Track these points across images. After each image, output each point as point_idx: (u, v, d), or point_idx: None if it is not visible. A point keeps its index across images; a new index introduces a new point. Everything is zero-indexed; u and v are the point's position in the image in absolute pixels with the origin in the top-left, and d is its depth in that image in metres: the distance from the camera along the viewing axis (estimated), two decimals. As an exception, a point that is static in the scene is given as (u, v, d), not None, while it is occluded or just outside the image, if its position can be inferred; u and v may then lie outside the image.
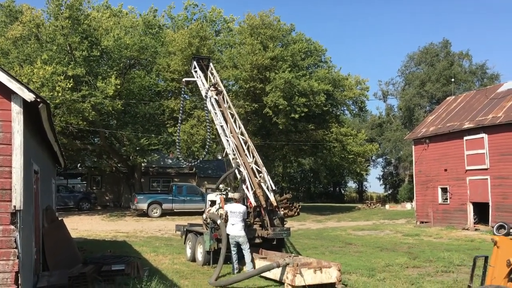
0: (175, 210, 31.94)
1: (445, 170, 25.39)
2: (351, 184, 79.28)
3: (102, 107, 29.36)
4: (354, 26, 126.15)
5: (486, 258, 6.98)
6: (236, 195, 12.23)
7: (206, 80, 16.29)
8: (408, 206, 39.18)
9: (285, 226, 13.17)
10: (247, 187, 12.81)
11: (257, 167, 13.52)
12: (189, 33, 30.63)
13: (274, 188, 13.16)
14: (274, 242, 12.86)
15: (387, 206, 42.60)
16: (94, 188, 41.74)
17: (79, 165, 44.92)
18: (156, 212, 31.52)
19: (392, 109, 69.62)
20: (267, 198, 12.81)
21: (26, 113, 6.71)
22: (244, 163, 13.37)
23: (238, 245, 11.79)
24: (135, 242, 19.38)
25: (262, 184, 12.91)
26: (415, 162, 27.85)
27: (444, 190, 25.64)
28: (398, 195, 57.31)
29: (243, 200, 12.84)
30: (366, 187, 77.94)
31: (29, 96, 6.29)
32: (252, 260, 11.58)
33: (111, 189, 42.35)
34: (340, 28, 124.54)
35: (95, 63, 28.83)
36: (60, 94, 26.08)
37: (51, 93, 25.93)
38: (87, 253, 15.14)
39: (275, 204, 12.66)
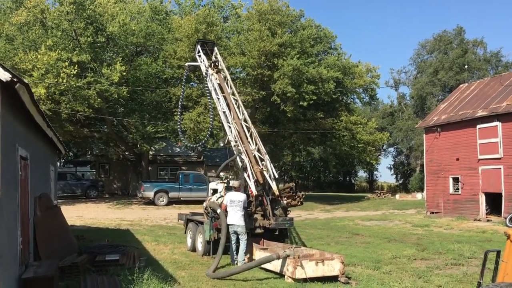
0: (181, 199, 31.68)
1: (457, 159, 24.70)
2: (362, 174, 78.59)
3: (108, 95, 29.04)
4: (365, 14, 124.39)
5: (498, 252, 6.47)
6: (235, 183, 11.81)
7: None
8: (418, 196, 38.50)
9: (288, 215, 12.71)
10: (248, 176, 12.34)
11: (259, 154, 13.04)
12: (196, 19, 30.08)
13: (276, 176, 12.69)
14: (277, 233, 12.41)
15: (397, 196, 41.93)
16: (102, 176, 41.65)
17: (89, 152, 44.91)
18: (163, 201, 31.29)
19: (404, 97, 68.59)
20: (269, 187, 12.35)
21: (5, 95, 6.30)
22: (246, 150, 12.90)
23: (237, 235, 11.40)
24: (138, 230, 19.11)
25: (265, 173, 12.43)
26: (426, 151, 27.16)
27: (456, 180, 24.98)
28: (409, 185, 56.55)
29: (245, 188, 12.41)
30: (376, 177, 77.10)
31: (4, 76, 5.84)
32: (246, 253, 11.21)
33: (119, 177, 42.24)
34: (351, 15, 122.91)
35: (101, 49, 28.43)
36: (65, 81, 25.77)
37: (56, 80, 25.63)
38: (86, 241, 14.88)
39: (277, 193, 12.21)
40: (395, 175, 72.38)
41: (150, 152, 38.42)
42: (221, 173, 13.57)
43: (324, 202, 37.36)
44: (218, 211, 11.66)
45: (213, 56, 15.71)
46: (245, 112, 14.19)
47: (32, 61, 25.38)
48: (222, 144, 13.55)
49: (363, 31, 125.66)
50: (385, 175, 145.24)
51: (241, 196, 11.51)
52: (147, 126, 30.23)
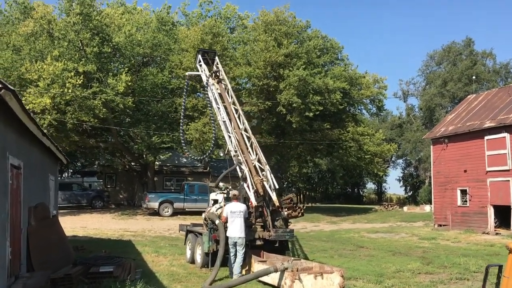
0: (186, 209, 31.47)
1: (465, 171, 24.30)
2: (370, 185, 78.00)
3: (114, 105, 29.06)
4: (373, 25, 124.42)
5: (500, 267, 6.20)
6: (235, 192, 11.60)
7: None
8: (427, 208, 37.97)
9: (289, 227, 12.45)
10: (248, 186, 12.12)
11: (260, 165, 12.83)
12: (202, 29, 30.12)
13: (277, 187, 12.46)
14: (277, 244, 12.12)
15: (405, 208, 41.40)
16: (109, 186, 41.65)
17: (97, 162, 44.96)
18: (168, 211, 31.11)
19: (412, 109, 68.18)
20: (269, 198, 12.12)
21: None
22: (246, 160, 12.70)
23: (236, 247, 11.16)
24: (140, 241, 18.91)
25: (265, 183, 12.20)
26: (433, 163, 26.77)
27: (464, 192, 24.56)
28: (418, 197, 55.93)
29: (244, 199, 12.19)
30: (385, 189, 76.57)
31: (-13, 81, 5.73)
32: (243, 265, 10.96)
33: (125, 187, 42.22)
34: (359, 26, 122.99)
35: (107, 60, 28.51)
36: (70, 91, 25.82)
37: (62, 90, 25.69)
38: (86, 252, 14.72)
39: (277, 204, 11.96)
40: (404, 187, 71.83)
41: (156, 163, 38.36)
42: (221, 184, 13.36)
43: (331, 213, 36.99)
44: (217, 222, 11.44)
45: (214, 66, 15.61)
46: (245, 121, 14.03)
47: (38, 71, 25.48)
48: (222, 154, 13.35)
49: (372, 41, 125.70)
50: (394, 187, 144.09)
51: (242, 207, 11.30)
52: (153, 136, 30.17)
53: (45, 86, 25.43)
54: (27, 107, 25.37)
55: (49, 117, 26.06)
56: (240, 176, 12.52)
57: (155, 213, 31.17)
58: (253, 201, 11.88)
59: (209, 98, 14.62)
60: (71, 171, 59.72)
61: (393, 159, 72.20)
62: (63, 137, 30.55)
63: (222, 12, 38.47)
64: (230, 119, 13.84)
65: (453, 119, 27.04)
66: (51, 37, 28.29)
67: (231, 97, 14.66)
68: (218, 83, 14.97)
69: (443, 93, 56.69)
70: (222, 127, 13.79)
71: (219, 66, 15.62)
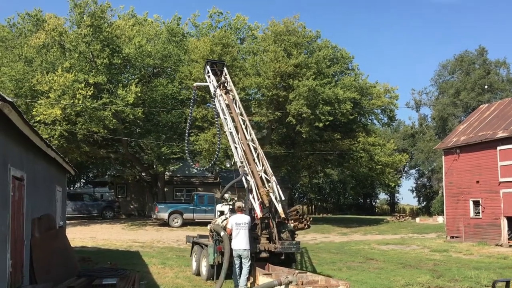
0: (196, 220, 31.34)
1: (477, 182, 23.89)
2: (383, 196, 77.27)
3: (125, 115, 29.20)
4: (384, 34, 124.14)
5: (508, 282, 6.00)
6: (239, 204, 11.48)
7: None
8: (440, 219, 37.41)
9: (295, 239, 12.29)
10: (253, 197, 12.00)
11: (266, 176, 12.71)
12: (212, 40, 30.22)
13: (283, 198, 12.32)
14: (283, 257, 11.94)
15: (417, 219, 40.87)
16: (120, 196, 41.78)
17: (107, 173, 45.22)
18: (177, 222, 31.03)
19: (425, 119, 67.58)
20: (275, 210, 11.97)
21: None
22: (252, 171, 12.58)
23: (241, 259, 11.01)
24: (147, 252, 18.85)
25: (271, 194, 12.08)
26: (445, 173, 26.38)
27: (476, 203, 24.14)
28: (432, 208, 55.22)
29: (250, 211, 12.06)
30: (398, 199, 75.74)
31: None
32: (249, 278, 10.80)
33: (136, 198, 42.31)
34: (370, 35, 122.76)
35: (117, 71, 28.71)
36: (80, 102, 26.01)
37: (72, 101, 25.88)
38: (92, 263, 14.67)
39: (282, 215, 11.80)
40: (417, 198, 71.07)
41: (167, 173, 38.39)
42: (226, 195, 13.26)
43: (342, 224, 36.62)
44: (222, 234, 11.32)
45: (222, 77, 15.58)
46: (252, 132, 13.94)
47: (49, 83, 25.72)
48: (228, 165, 13.21)
49: (384, 52, 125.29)
50: (407, 197, 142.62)
51: (246, 218, 11.16)
52: (162, 147, 30.22)
53: (55, 97, 25.64)
54: (38, 118, 25.82)
55: (59, 128, 26.24)
56: (246, 187, 12.40)
57: (165, 223, 31.12)
58: (258, 212, 11.74)
59: (216, 108, 14.57)
60: (84, 181, 60.21)
61: (405, 170, 71.60)
62: (74, 147, 30.77)
63: (232, 23, 38.62)
64: (237, 130, 13.77)
65: (465, 129, 26.69)
66: (62, 48, 28.59)
67: (239, 108, 14.59)
68: (226, 93, 14.92)
69: (456, 102, 56.15)
70: (229, 138, 13.72)
71: (227, 77, 15.59)
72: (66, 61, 27.48)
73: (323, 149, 33.78)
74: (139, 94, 28.28)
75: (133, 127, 32.35)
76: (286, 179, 42.85)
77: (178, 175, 41.16)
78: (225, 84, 15.06)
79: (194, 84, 17.98)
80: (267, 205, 11.84)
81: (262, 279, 10.58)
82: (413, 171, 70.67)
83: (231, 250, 10.98)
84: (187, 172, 41.95)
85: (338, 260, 17.43)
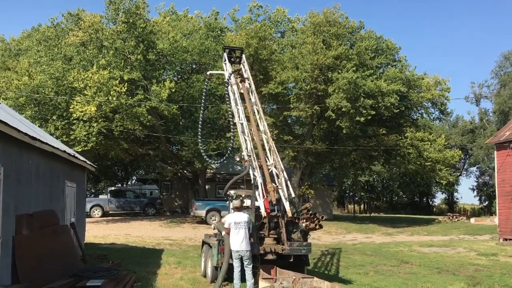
0: (234, 218, 30.66)
1: (534, 179, 21.64)
2: (441, 195, 73.56)
3: (161, 112, 28.96)
4: (445, 25, 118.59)
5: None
6: (236, 203, 10.58)
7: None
8: (496, 220, 34.62)
9: (308, 240, 11.22)
10: (259, 194, 11.04)
11: (276, 171, 11.72)
12: (247, 33, 29.36)
13: (293, 195, 11.29)
14: (291, 259, 10.89)
15: (472, 220, 38.18)
16: (164, 193, 41.95)
17: (156, 171, 45.56)
18: (215, 219, 30.45)
19: (486, 113, 63.59)
20: (283, 208, 10.96)
21: None
22: (261, 166, 11.60)
23: (242, 260, 10.10)
24: (171, 251, 18.30)
25: (280, 191, 11.08)
26: (497, 170, 24.14)
27: (533, 203, 21.88)
28: (493, 208, 51.75)
29: (257, 208, 11.11)
30: (457, 198, 71.87)
31: None
32: (255, 282, 9.85)
33: (180, 195, 42.36)
34: (423, 25, 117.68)
35: (151, 67, 28.49)
36: (115, 99, 25.98)
37: (107, 98, 25.91)
38: (105, 262, 14.23)
39: (290, 214, 10.76)
40: (478, 197, 67.07)
41: (209, 170, 37.97)
42: (232, 192, 12.38)
43: (389, 224, 34.83)
44: (223, 233, 10.47)
45: (240, 65, 14.70)
46: (265, 123, 12.99)
47: (85, 80, 25.87)
48: (238, 159, 12.30)
49: (442, 43, 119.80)
50: (468, 196, 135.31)
51: (246, 217, 10.25)
52: (198, 143, 29.72)
53: (91, 94, 25.74)
54: (75, 115, 26.01)
55: (95, 125, 26.36)
56: (252, 182, 11.46)
57: (203, 221, 30.69)
58: (262, 211, 10.78)
59: (228, 97, 13.69)
60: (134, 178, 61.40)
61: (465, 167, 67.80)
62: (114, 144, 30.95)
63: (272, 16, 37.59)
64: (248, 120, 12.86)
65: (521, 122, 24.32)
66: (99, 46, 28.75)
67: (254, 97, 13.66)
68: (241, 82, 14.02)
69: (518, 95, 52.36)
70: (239, 129, 12.83)
71: (245, 64, 14.66)
72: (102, 58, 27.58)
73: (367, 145, 32.09)
74: (174, 90, 27.91)
75: (170, 124, 32.10)
76: (330, 176, 41.29)
77: (222, 172, 40.68)
78: (241, 72, 14.17)
79: (208, 73, 17.20)
80: (275, 202, 10.86)
81: (261, 284, 9.66)
82: (473, 168, 66.91)
83: (230, 250, 10.11)
84: (230, 170, 41.39)
85: (368, 263, 16.10)
